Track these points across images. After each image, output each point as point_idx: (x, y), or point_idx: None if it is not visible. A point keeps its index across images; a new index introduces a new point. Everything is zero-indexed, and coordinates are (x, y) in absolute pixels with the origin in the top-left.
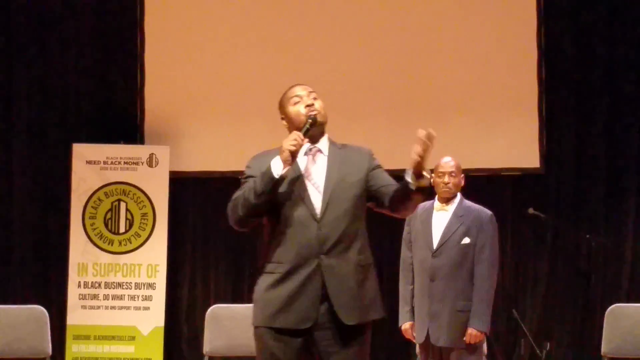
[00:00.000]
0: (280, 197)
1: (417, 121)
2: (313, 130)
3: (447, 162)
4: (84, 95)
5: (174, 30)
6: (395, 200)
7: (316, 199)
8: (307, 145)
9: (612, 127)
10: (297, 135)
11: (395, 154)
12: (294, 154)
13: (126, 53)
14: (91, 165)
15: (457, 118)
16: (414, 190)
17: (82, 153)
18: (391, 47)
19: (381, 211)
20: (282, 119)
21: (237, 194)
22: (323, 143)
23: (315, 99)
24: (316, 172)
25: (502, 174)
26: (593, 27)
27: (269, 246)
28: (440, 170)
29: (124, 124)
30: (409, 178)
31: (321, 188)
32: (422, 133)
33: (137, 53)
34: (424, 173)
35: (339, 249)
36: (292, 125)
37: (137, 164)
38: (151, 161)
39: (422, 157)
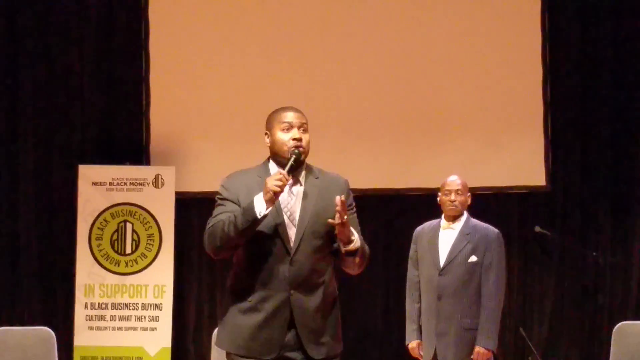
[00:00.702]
0: (255, 229)
1: (423, 141)
2: (302, 163)
3: (454, 181)
4: (90, 116)
5: (179, 51)
6: (338, 256)
7: (291, 232)
8: (290, 181)
9: (618, 145)
10: (282, 175)
11: (401, 174)
12: (277, 195)
13: (131, 74)
14: (97, 187)
15: (463, 137)
16: (345, 253)
17: (88, 174)
18: (396, 67)
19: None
20: (266, 134)
21: (214, 220)
22: (301, 174)
23: (305, 131)
24: (293, 204)
25: (508, 192)
26: (598, 46)
27: (241, 272)
28: (447, 188)
29: (130, 144)
30: (340, 245)
31: (296, 222)
32: (337, 200)
33: (142, 74)
34: (352, 237)
35: (308, 284)
36: (273, 148)
37: (142, 184)
38: (157, 182)
39: (340, 225)
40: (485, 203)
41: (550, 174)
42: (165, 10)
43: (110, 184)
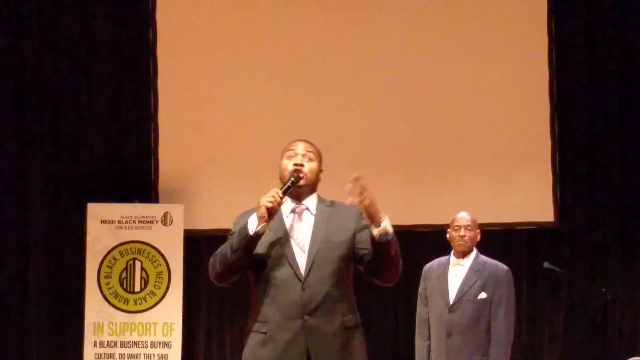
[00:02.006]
0: (265, 256)
1: (430, 177)
2: (301, 189)
3: (463, 217)
4: (99, 154)
5: (187, 88)
6: (370, 262)
7: (301, 258)
8: (293, 203)
9: (626, 181)
10: (275, 192)
11: (408, 211)
12: (270, 211)
13: (140, 112)
14: (106, 225)
15: (471, 173)
16: (379, 242)
17: (97, 212)
18: (404, 105)
19: (369, 278)
20: (278, 166)
21: (218, 250)
22: (311, 201)
23: (310, 160)
24: (302, 231)
25: (516, 228)
26: (605, 81)
27: (255, 304)
28: (456, 224)
29: (139, 182)
30: (374, 231)
31: (306, 248)
32: (349, 185)
33: (150, 112)
34: (380, 216)
35: (323, 310)
36: (281, 176)
37: (151, 222)
38: (166, 220)
39: (364, 203)
40: (493, 239)
41: (559, 209)
42: (174, 48)
43: (119, 222)
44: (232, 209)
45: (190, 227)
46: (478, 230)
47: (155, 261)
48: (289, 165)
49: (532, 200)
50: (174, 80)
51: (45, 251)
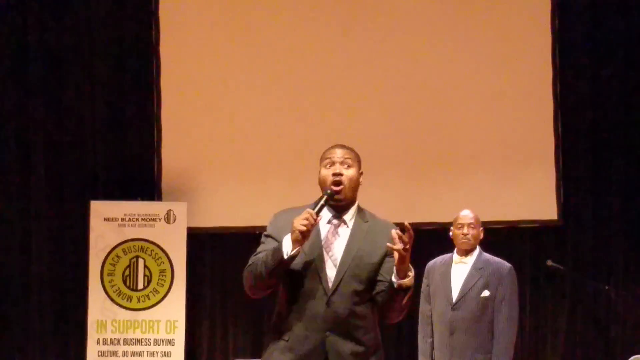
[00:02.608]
0: (297, 265)
1: (434, 175)
2: (339, 201)
3: (466, 215)
4: (102, 152)
5: (190, 87)
6: (382, 300)
7: (331, 273)
8: (331, 214)
9: (630, 178)
10: (309, 214)
11: (412, 208)
12: (304, 234)
13: (142, 110)
14: (109, 223)
15: (474, 171)
16: (396, 289)
17: (100, 210)
18: (408, 103)
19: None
20: (319, 173)
21: (253, 259)
22: (350, 213)
23: (348, 166)
24: (336, 245)
25: (520, 226)
26: (608, 79)
27: (281, 310)
28: (460, 222)
29: (141, 180)
30: (393, 277)
31: (337, 263)
32: (396, 233)
33: (153, 110)
34: (409, 273)
35: (346, 328)
36: (320, 185)
37: (154, 220)
38: (169, 217)
39: (403, 255)
40: (497, 237)
41: (562, 207)
42: (177, 46)
43: (122, 219)
44: (235, 207)
45: (193, 224)
46: (481, 228)
47: (158, 259)
48: (328, 177)
49: (535, 198)
50: (176, 78)
51: (49, 249)
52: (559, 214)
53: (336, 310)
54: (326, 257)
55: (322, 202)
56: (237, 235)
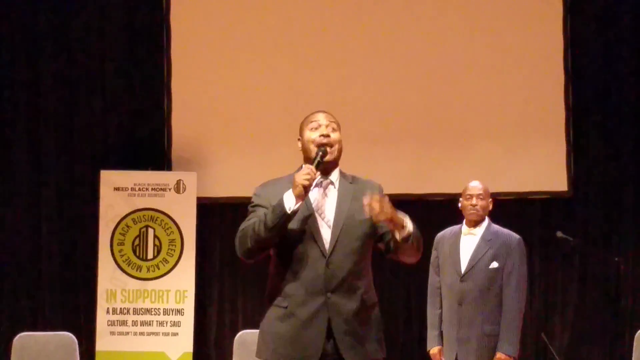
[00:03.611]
0: (290, 231)
1: (444, 146)
2: (327, 163)
3: (475, 186)
4: (112, 122)
5: (201, 57)
6: (394, 248)
7: (326, 234)
8: (318, 177)
9: None
10: (309, 169)
11: (421, 180)
12: (306, 189)
13: (153, 80)
14: (119, 192)
15: (485, 142)
16: (403, 240)
17: (110, 180)
18: (418, 73)
19: (389, 257)
20: (298, 140)
21: (245, 224)
22: (334, 175)
23: (334, 129)
24: (327, 206)
25: (530, 197)
26: (620, 50)
27: (277, 278)
28: (468, 193)
29: (152, 150)
30: (396, 235)
31: (331, 223)
32: (366, 199)
33: (164, 80)
34: (402, 219)
35: (345, 287)
36: (304, 149)
37: (164, 190)
38: (178, 187)
39: (384, 214)
40: (507, 208)
41: (572, 179)
42: (187, 16)
43: (132, 189)
44: (245, 177)
45: (203, 194)
46: (490, 200)
47: (168, 229)
48: (316, 138)
49: (545, 170)
50: (187, 48)
51: (59, 218)
52: (568, 186)
53: (335, 270)
54: (319, 219)
55: (317, 159)
56: (246, 205)
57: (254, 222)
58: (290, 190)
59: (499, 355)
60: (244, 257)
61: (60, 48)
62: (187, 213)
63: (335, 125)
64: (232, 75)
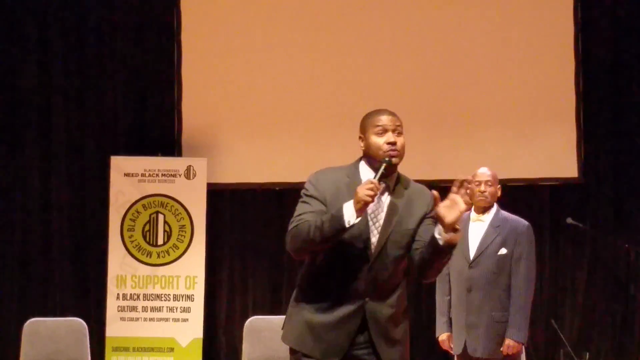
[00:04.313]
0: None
1: (454, 132)
2: (393, 170)
3: (484, 172)
4: (122, 108)
5: (211, 43)
6: (422, 258)
7: (374, 239)
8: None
9: None
10: (373, 184)
11: (431, 166)
12: (368, 204)
13: (163, 66)
14: (129, 178)
15: (495, 128)
16: (441, 247)
17: (120, 165)
18: (426, 59)
19: (409, 268)
20: (360, 138)
21: (299, 221)
22: (392, 181)
23: (399, 134)
24: (378, 210)
25: (540, 183)
26: (631, 36)
27: (316, 271)
28: (477, 179)
29: (162, 136)
30: (437, 233)
31: (380, 229)
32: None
33: (174, 66)
34: (457, 227)
35: (383, 293)
36: (368, 152)
37: (174, 176)
38: (189, 173)
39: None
40: (516, 194)
41: (583, 165)
42: (197, 1)
43: (142, 175)
44: (255, 163)
45: (213, 180)
46: (499, 186)
47: (178, 214)
48: (382, 146)
49: (555, 156)
50: (198, 34)
51: (69, 204)
52: (579, 172)
53: (376, 276)
54: (370, 223)
55: (382, 171)
56: (256, 191)
57: (309, 223)
58: (351, 203)
59: (507, 341)
60: (293, 254)
61: (71, 34)
62: (197, 199)
63: (400, 129)
64: (243, 61)
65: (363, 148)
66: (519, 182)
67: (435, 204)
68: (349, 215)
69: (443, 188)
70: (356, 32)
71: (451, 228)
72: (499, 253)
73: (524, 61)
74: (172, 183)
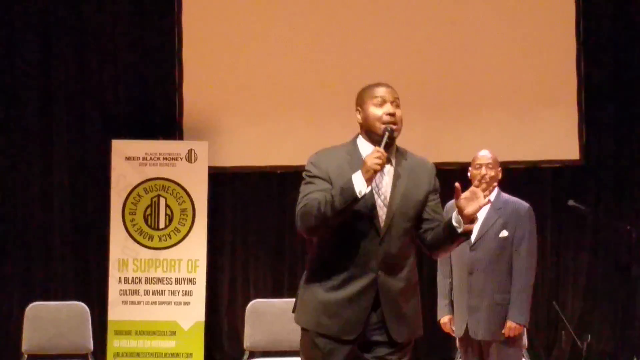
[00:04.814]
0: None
1: (455, 115)
2: (393, 140)
3: (485, 155)
4: (123, 91)
5: (212, 26)
6: (436, 239)
7: (382, 213)
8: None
9: None
10: (380, 152)
11: (433, 148)
12: (377, 172)
13: (164, 49)
14: (130, 162)
15: (496, 111)
16: (458, 234)
17: (122, 149)
18: (429, 40)
19: (418, 243)
20: (357, 110)
21: (307, 200)
22: (392, 153)
23: (397, 106)
24: (384, 184)
25: (541, 166)
26: (632, 18)
27: (326, 250)
28: (478, 162)
29: (163, 119)
30: (455, 222)
31: (387, 201)
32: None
33: (175, 49)
34: (475, 217)
35: (395, 266)
36: (365, 123)
37: (176, 159)
38: (190, 157)
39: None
40: (518, 177)
41: (584, 147)
42: None
43: (144, 158)
44: (256, 146)
45: (215, 164)
46: (499, 169)
47: (179, 198)
48: (382, 117)
49: (557, 138)
50: (198, 17)
51: (70, 188)
52: (581, 154)
53: (388, 249)
54: (376, 197)
55: (386, 139)
56: (258, 174)
57: (318, 200)
58: (360, 172)
59: (509, 323)
60: (305, 233)
61: (72, 17)
62: (198, 182)
63: (398, 102)
64: (244, 43)
65: (360, 121)
66: (521, 164)
67: (456, 195)
68: (360, 185)
69: (445, 171)
70: (358, 14)
71: (469, 220)
72: (500, 235)
73: (525, 43)
74: (174, 166)
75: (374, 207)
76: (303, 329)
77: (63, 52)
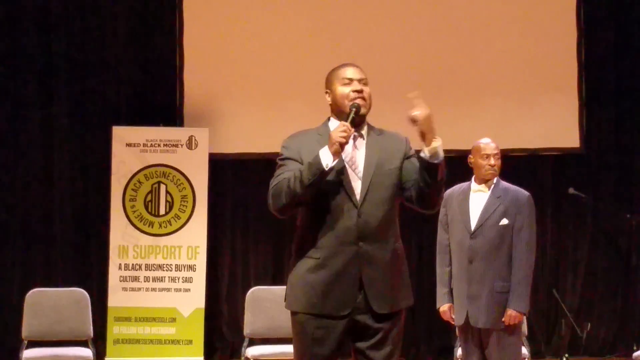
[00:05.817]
0: (324, 184)
1: (456, 102)
2: (362, 116)
3: (489, 144)
4: (124, 78)
5: (213, 12)
6: (418, 187)
7: (356, 185)
8: (353, 133)
9: None
10: (346, 126)
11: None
12: (343, 146)
13: (165, 36)
14: (131, 148)
15: (497, 98)
16: (428, 163)
17: (122, 136)
18: (429, 27)
19: (409, 205)
20: (327, 93)
21: (277, 180)
22: (364, 129)
23: (365, 84)
24: (357, 158)
25: (542, 154)
26: (633, 6)
27: (307, 230)
28: (486, 152)
29: (164, 106)
30: (422, 153)
31: (361, 174)
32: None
33: (176, 36)
34: (434, 135)
35: (376, 237)
36: (335, 103)
37: (176, 146)
38: (190, 143)
39: (426, 122)
40: (518, 165)
41: (584, 135)
42: None
43: (144, 145)
44: (257, 133)
45: (215, 150)
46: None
47: (180, 184)
48: (349, 94)
49: (557, 126)
50: (199, 3)
51: (71, 174)
52: (581, 142)
53: (367, 220)
54: (349, 170)
55: (352, 115)
56: (258, 161)
57: (287, 177)
58: (327, 147)
59: (509, 311)
60: (277, 213)
61: (73, 2)
62: (199, 169)
63: (366, 81)
64: (244, 30)
65: (330, 102)
66: (521, 152)
67: (412, 121)
68: (326, 158)
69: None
70: (358, 1)
71: (429, 129)
72: (501, 223)
73: (526, 30)
74: (174, 153)
75: (347, 180)
76: (293, 313)
77: (64, 39)
